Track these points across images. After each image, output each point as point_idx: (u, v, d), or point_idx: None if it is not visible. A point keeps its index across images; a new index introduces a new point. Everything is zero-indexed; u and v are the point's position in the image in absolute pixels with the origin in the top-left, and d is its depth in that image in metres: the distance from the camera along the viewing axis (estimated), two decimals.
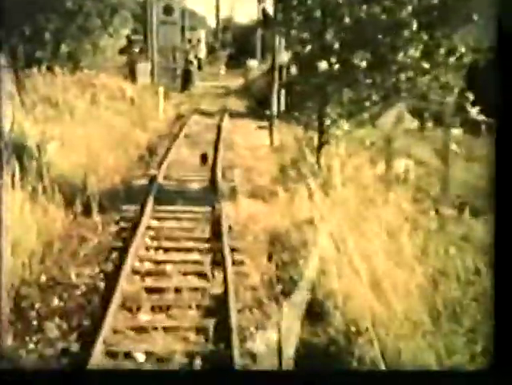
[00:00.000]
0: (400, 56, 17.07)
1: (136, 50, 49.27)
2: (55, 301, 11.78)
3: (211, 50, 60.55)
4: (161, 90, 34.46)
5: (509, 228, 6.67)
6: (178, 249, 14.17)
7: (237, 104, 37.17)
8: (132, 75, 42.39)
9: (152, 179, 19.62)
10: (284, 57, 36.92)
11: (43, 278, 12.55)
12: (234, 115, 33.34)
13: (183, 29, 50.56)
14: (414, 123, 27.42)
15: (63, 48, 38.22)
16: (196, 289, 12.17)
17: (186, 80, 43.43)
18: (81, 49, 38.45)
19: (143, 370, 9.47)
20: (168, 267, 13.13)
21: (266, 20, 50.97)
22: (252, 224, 15.44)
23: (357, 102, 17.94)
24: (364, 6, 17.49)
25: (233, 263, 13.18)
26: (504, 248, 6.68)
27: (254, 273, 12.89)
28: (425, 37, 17.13)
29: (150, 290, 12.08)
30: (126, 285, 12.02)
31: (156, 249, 14.21)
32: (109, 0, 39.08)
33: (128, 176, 20.92)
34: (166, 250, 14.14)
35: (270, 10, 52.10)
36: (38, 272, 12.71)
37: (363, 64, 17.50)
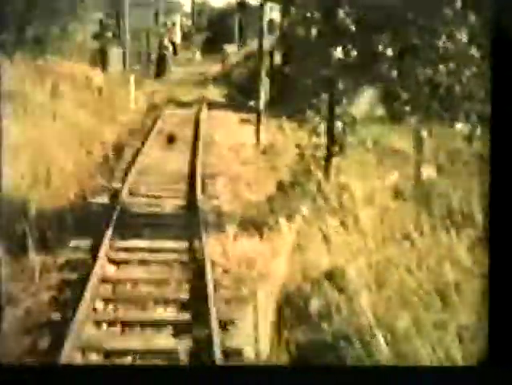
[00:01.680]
0: (441, 42, 11.92)
1: (110, 34, 43.89)
2: None
3: (186, 35, 55.13)
4: (132, 78, 29.14)
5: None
6: (142, 324, 9.01)
7: (216, 93, 31.87)
8: (103, 62, 37.06)
9: (115, 195, 14.47)
10: (267, 42, 32.03)
11: None
12: (213, 105, 28.07)
13: (157, 13, 45.22)
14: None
15: (29, 32, 32.96)
16: None
17: (160, 66, 38.09)
18: (48, 33, 33.17)
19: (125, 365, 7.89)
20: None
21: (243, 3, 45.65)
22: (249, 277, 10.30)
23: (380, 101, 12.83)
24: None
25: (226, 354, 8.08)
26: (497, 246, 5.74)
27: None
28: (472, 17, 12.06)
29: None
30: None
31: (110, 323, 9.03)
32: None
33: (87, 187, 15.77)
34: (124, 326, 8.98)
35: None
36: None
37: (389, 52, 12.40)
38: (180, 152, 19.55)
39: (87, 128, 21.79)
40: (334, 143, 13.30)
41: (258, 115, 21.65)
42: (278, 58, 29.15)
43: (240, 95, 30.15)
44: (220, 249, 11.28)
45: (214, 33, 52.40)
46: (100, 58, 37.54)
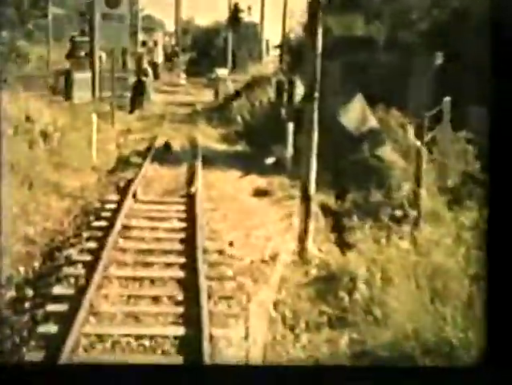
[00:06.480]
0: None
1: (82, 54, 32.81)
2: None
3: (169, 56, 43.95)
4: (95, 118, 18.02)
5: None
6: None
7: (212, 135, 20.77)
8: (67, 90, 26.05)
9: None
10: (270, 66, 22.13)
11: None
12: (210, 159, 17.09)
13: (135, 30, 34.28)
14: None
15: None
16: None
17: (138, 94, 26.96)
18: None
19: (125, 364, 6.63)
20: None
21: (237, 19, 34.71)
22: None
23: None
24: None
25: None
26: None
27: None
28: None
29: None
30: None
31: None
32: None
33: None
34: None
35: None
36: None
37: None
38: (160, 291, 8.65)
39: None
40: None
41: (305, 196, 10.50)
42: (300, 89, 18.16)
43: (246, 141, 19.19)
44: None
45: (201, 54, 41.36)
46: (65, 86, 26.65)
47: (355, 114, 16.52)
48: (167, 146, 17.92)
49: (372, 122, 16.22)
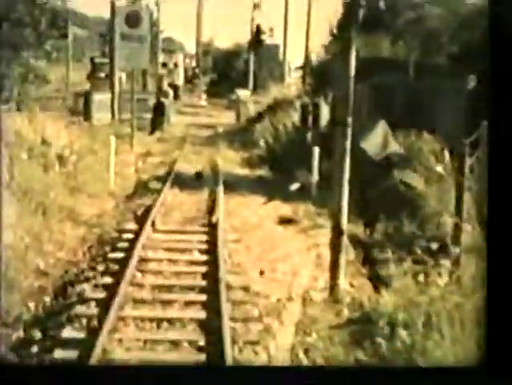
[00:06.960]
0: None
1: (102, 75, 32.27)
2: None
3: (190, 77, 43.43)
4: (113, 141, 17.27)
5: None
6: None
7: (233, 159, 19.96)
8: (86, 111, 25.46)
9: None
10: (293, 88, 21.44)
11: None
12: (231, 184, 16.29)
13: (155, 51, 33.65)
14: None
15: None
16: None
17: (158, 116, 26.27)
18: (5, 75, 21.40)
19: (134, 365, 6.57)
20: None
21: (259, 41, 34.00)
22: None
23: None
24: None
25: None
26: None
27: None
28: None
29: None
30: None
31: None
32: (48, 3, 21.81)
33: None
34: None
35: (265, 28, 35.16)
36: None
37: None
38: (180, 334, 7.82)
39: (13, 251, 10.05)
40: None
41: (337, 230, 9.59)
42: (325, 112, 17.37)
43: (269, 166, 18.37)
44: None
45: (222, 75, 40.69)
46: (83, 107, 26.06)
47: (377, 139, 15.73)
48: (199, 175, 17.10)
49: (395, 147, 15.41)
